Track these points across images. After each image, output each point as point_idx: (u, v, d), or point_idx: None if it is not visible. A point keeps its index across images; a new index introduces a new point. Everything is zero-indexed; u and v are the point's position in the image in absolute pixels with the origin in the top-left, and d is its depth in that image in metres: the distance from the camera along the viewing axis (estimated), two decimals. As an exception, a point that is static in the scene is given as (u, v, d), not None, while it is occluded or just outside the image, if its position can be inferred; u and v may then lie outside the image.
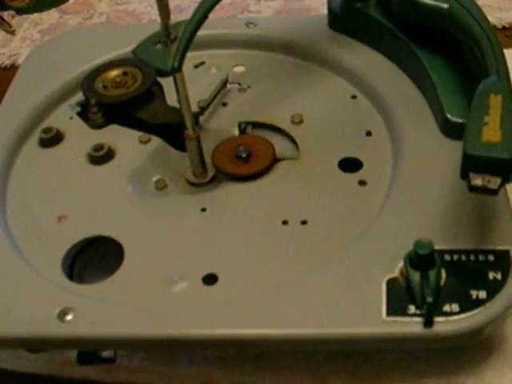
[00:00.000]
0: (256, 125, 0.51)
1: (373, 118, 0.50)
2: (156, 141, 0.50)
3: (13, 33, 0.85)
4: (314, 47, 0.55)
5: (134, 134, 0.50)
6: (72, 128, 0.53)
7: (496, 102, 0.38)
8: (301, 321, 0.37)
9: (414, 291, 0.37)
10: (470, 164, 0.35)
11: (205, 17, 0.42)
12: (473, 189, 0.36)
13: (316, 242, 0.42)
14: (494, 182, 0.35)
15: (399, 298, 0.38)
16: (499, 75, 0.41)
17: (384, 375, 0.42)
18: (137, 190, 0.47)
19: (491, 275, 0.38)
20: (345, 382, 0.42)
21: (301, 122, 0.50)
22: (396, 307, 0.37)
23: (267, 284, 0.40)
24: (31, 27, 0.86)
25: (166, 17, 0.42)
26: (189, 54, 0.42)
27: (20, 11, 0.88)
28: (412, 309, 0.37)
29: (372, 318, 0.37)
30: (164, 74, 0.44)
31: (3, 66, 0.79)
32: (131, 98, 0.50)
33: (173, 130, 0.47)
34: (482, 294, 0.37)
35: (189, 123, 0.44)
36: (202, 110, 0.52)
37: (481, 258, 0.39)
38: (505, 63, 0.42)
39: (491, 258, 0.39)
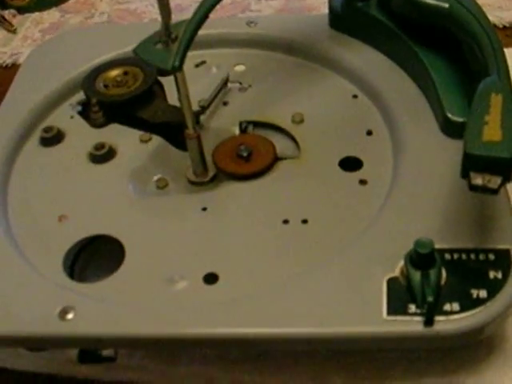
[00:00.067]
0: (257, 124, 0.51)
1: (373, 117, 0.50)
2: (157, 140, 0.50)
3: (14, 32, 0.85)
4: (315, 46, 0.56)
5: (135, 133, 0.51)
6: (73, 127, 0.53)
7: (496, 101, 0.38)
8: (301, 320, 0.37)
9: (415, 290, 0.37)
10: (471, 163, 0.35)
11: (206, 16, 0.42)
12: (473, 188, 0.36)
13: (316, 241, 0.42)
14: (495, 181, 0.35)
15: (400, 297, 0.38)
16: (500, 74, 0.41)
17: (384, 374, 0.42)
18: (138, 189, 0.47)
19: (492, 274, 0.38)
20: (345, 381, 0.42)
21: (301, 121, 0.50)
22: (396, 306, 0.37)
23: (268, 283, 0.40)
24: (32, 26, 0.86)
25: (167, 16, 0.42)
26: (189, 53, 0.42)
27: (21, 10, 0.88)
28: (412, 308, 0.37)
29: (372, 317, 0.37)
30: (165, 73, 0.44)
31: (4, 64, 0.79)
32: (132, 97, 0.50)
33: (173, 129, 0.47)
34: (483, 293, 0.37)
35: (190, 122, 0.44)
36: (203, 109, 0.52)
37: (481, 257, 0.39)
38: (505, 62, 0.42)
39: (492, 257, 0.39)
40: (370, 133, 0.49)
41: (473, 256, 0.39)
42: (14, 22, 0.86)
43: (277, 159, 0.48)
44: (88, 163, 0.50)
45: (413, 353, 0.42)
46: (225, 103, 0.53)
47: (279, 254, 0.42)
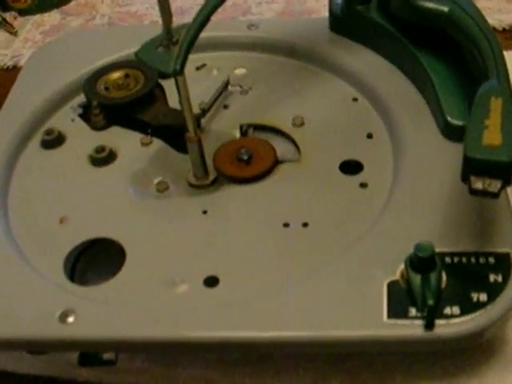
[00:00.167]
0: (257, 127, 0.51)
1: (374, 120, 0.50)
2: (157, 143, 0.50)
3: (15, 34, 0.85)
4: (315, 49, 0.56)
5: (136, 136, 0.51)
6: (74, 130, 0.53)
7: (496, 105, 0.38)
8: (302, 323, 0.37)
9: (415, 294, 0.37)
10: (471, 167, 0.35)
11: (207, 20, 0.42)
12: (473, 192, 0.36)
13: (317, 245, 0.42)
14: (495, 185, 0.35)
15: (400, 300, 0.38)
16: (499, 78, 0.41)
17: (385, 378, 0.42)
18: (138, 192, 0.47)
19: (492, 278, 0.38)
20: (345, 384, 0.43)
21: (302, 124, 0.50)
22: (397, 310, 0.37)
23: (268, 286, 0.40)
24: (33, 28, 0.86)
25: (168, 20, 0.42)
26: (190, 56, 0.42)
27: (22, 12, 0.88)
28: (413, 311, 0.37)
29: (373, 321, 0.37)
30: (166, 76, 0.44)
31: (5, 67, 0.79)
32: (133, 100, 0.51)
33: (174, 132, 0.47)
34: (483, 297, 0.37)
35: (190, 125, 0.44)
36: (204, 112, 0.52)
37: (481, 260, 0.39)
38: (505, 65, 0.42)
39: (492, 260, 0.39)
40: (370, 136, 0.49)
41: (473, 259, 0.39)
42: (15, 24, 0.86)
43: (277, 162, 0.48)
44: (89, 166, 0.50)
45: (413, 356, 0.42)
46: (225, 106, 0.53)
47: (280, 257, 0.42)
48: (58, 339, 0.39)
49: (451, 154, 0.44)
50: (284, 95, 0.53)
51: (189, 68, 0.42)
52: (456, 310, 0.37)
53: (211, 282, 0.41)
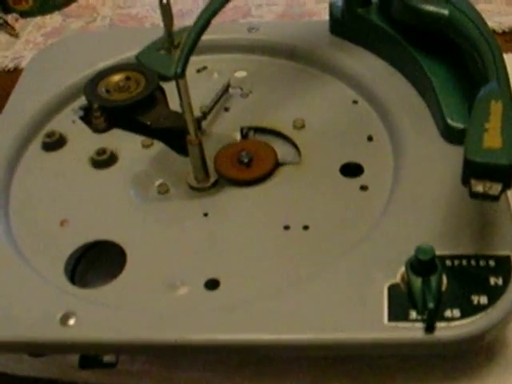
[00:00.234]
0: (258, 130, 0.51)
1: (374, 123, 0.50)
2: (158, 145, 0.50)
3: (16, 36, 0.85)
4: (316, 52, 0.56)
5: (137, 139, 0.51)
6: (75, 132, 0.53)
7: (496, 108, 0.38)
8: (302, 326, 0.38)
9: (416, 297, 0.37)
10: (471, 170, 0.36)
11: (207, 23, 0.42)
12: (474, 195, 0.36)
13: (317, 247, 0.42)
14: (495, 188, 0.35)
15: (400, 303, 0.38)
16: (499, 81, 0.41)
17: (385, 381, 0.42)
18: (139, 195, 0.47)
19: (492, 280, 0.38)
20: (346, 386, 0.43)
21: (302, 126, 0.51)
22: (397, 312, 0.37)
23: (269, 289, 0.40)
24: (35, 30, 0.86)
25: (170, 23, 0.42)
26: (191, 59, 0.42)
27: (24, 14, 0.88)
28: (413, 314, 0.37)
29: (373, 324, 0.37)
30: (167, 79, 0.44)
31: (7, 69, 0.79)
32: (134, 103, 0.51)
33: (175, 135, 0.47)
34: (483, 300, 0.38)
35: (191, 128, 0.44)
36: (205, 114, 0.52)
37: (482, 263, 0.39)
38: (505, 68, 0.42)
39: (492, 263, 0.39)
40: (370, 138, 0.49)
41: (473, 262, 0.39)
42: (17, 25, 0.86)
43: (278, 165, 0.48)
44: (90, 168, 0.50)
45: (413, 359, 0.42)
46: (226, 109, 0.53)
47: (280, 259, 0.42)
48: (58, 341, 0.39)
49: (451, 157, 0.44)
50: (284, 98, 0.53)
51: (189, 71, 0.42)
52: (456, 312, 0.37)
53: (212, 284, 0.41)
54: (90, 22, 0.86)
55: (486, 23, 0.46)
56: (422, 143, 0.46)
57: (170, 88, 0.48)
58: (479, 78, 0.44)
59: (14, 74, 0.77)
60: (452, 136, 0.46)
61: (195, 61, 0.49)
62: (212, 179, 0.47)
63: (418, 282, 0.37)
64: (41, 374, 0.46)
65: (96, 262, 0.46)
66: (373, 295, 0.38)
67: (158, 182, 0.48)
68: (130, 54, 0.55)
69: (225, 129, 0.52)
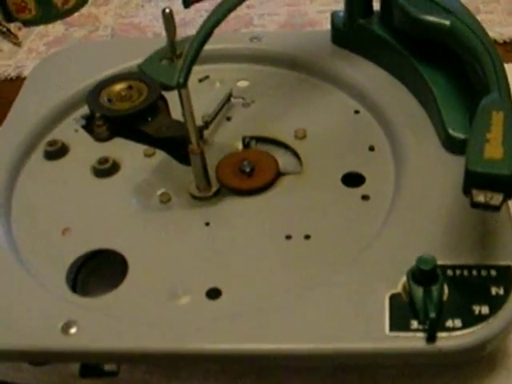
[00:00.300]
0: (260, 139, 0.51)
1: (376, 132, 0.50)
2: (160, 154, 0.50)
3: (19, 44, 0.85)
4: (318, 62, 0.56)
5: (139, 148, 0.51)
6: (77, 141, 0.53)
7: (498, 118, 0.38)
8: (304, 336, 0.38)
9: (417, 306, 0.37)
10: (473, 180, 0.36)
11: (210, 33, 0.42)
12: (475, 205, 0.36)
13: (319, 257, 0.42)
14: (496, 198, 0.35)
15: (402, 313, 0.38)
16: (500, 91, 0.41)
17: (387, 390, 0.42)
18: (141, 204, 0.48)
19: (494, 290, 0.38)
20: (347, 396, 0.43)
21: (304, 136, 0.51)
22: (399, 322, 0.37)
23: (270, 299, 0.40)
24: (37, 39, 0.86)
25: (172, 33, 0.42)
26: (193, 68, 0.42)
27: (26, 23, 0.88)
28: (415, 324, 0.37)
29: (375, 333, 0.37)
30: (169, 88, 0.44)
31: (9, 77, 0.79)
32: (136, 112, 0.51)
33: (177, 144, 0.47)
34: (485, 310, 0.38)
35: (193, 138, 0.44)
36: (207, 124, 0.52)
37: (483, 273, 0.39)
38: (506, 78, 0.43)
39: (493, 273, 0.39)
40: (372, 148, 0.49)
41: (475, 272, 0.39)
42: (20, 34, 0.87)
43: (279, 174, 0.48)
44: (92, 177, 0.50)
45: (415, 369, 0.42)
46: (228, 118, 0.54)
47: (282, 269, 0.42)
48: (60, 350, 0.39)
49: (453, 167, 0.44)
50: (286, 107, 0.54)
51: (192, 80, 0.42)
52: (458, 322, 0.37)
53: (213, 294, 0.41)
54: (93, 31, 0.87)
55: (487, 33, 0.46)
56: (424, 153, 0.46)
57: (172, 97, 0.49)
58: (480, 88, 0.44)
59: (16, 82, 0.77)
60: (453, 146, 0.46)
61: (197, 70, 0.49)
62: (214, 188, 0.47)
63: (419, 291, 0.37)
64: (41, 382, 0.46)
65: (97, 271, 0.46)
66: (374, 305, 0.38)
67: (159, 191, 0.48)
68: (132, 63, 0.56)
69: (227, 138, 0.52)
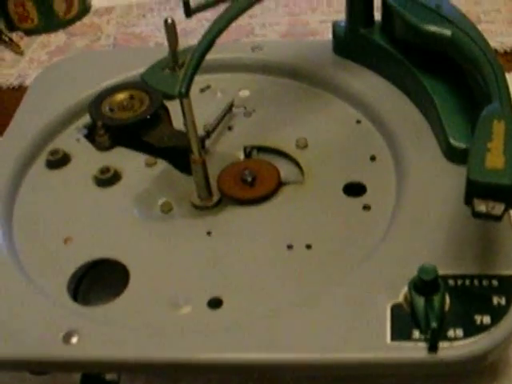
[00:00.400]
0: (261, 149, 0.52)
1: (377, 142, 0.50)
2: (162, 164, 0.50)
3: (21, 54, 0.86)
4: (319, 72, 0.56)
5: (141, 157, 0.51)
6: (79, 150, 0.53)
7: (499, 128, 0.38)
8: (305, 345, 0.37)
9: (419, 316, 0.37)
10: (474, 190, 0.36)
11: (212, 43, 0.42)
12: (477, 215, 0.36)
13: (320, 267, 0.42)
14: (498, 208, 0.35)
15: (403, 323, 0.38)
16: (501, 101, 0.42)
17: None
18: (142, 213, 0.48)
19: (495, 300, 0.38)
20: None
21: (305, 146, 0.51)
22: (400, 332, 0.37)
23: (271, 309, 0.40)
24: (39, 48, 0.86)
25: (174, 43, 0.42)
26: (195, 78, 0.42)
27: (28, 32, 0.89)
28: (416, 334, 0.37)
29: (376, 343, 0.37)
30: (171, 98, 0.44)
31: (11, 86, 0.80)
32: (137, 121, 0.51)
33: (179, 154, 0.47)
34: (487, 319, 0.37)
35: (195, 147, 0.44)
36: (208, 133, 0.52)
37: (485, 283, 0.39)
38: (507, 88, 0.43)
39: (495, 283, 0.39)
40: (373, 158, 0.49)
41: (476, 282, 0.39)
42: (22, 43, 0.87)
43: (281, 184, 0.48)
44: (93, 186, 0.50)
45: (416, 379, 0.42)
46: (229, 128, 0.54)
47: (283, 279, 0.42)
48: (61, 359, 0.39)
49: (454, 177, 0.44)
50: (288, 117, 0.54)
51: (193, 90, 0.43)
52: (459, 332, 0.37)
53: (215, 303, 0.41)
54: (95, 40, 0.87)
55: (488, 43, 0.46)
56: (425, 163, 0.46)
57: (173, 106, 0.49)
58: (481, 97, 0.44)
59: (18, 91, 0.78)
60: (455, 156, 0.46)
61: (199, 80, 0.49)
62: (215, 198, 0.47)
63: (420, 301, 0.37)
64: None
65: (99, 280, 0.46)
66: (376, 315, 0.38)
67: (161, 201, 0.48)
68: (134, 72, 0.56)
69: (228, 148, 0.52)
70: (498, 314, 0.38)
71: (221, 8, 0.46)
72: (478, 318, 0.38)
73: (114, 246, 0.45)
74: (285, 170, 0.49)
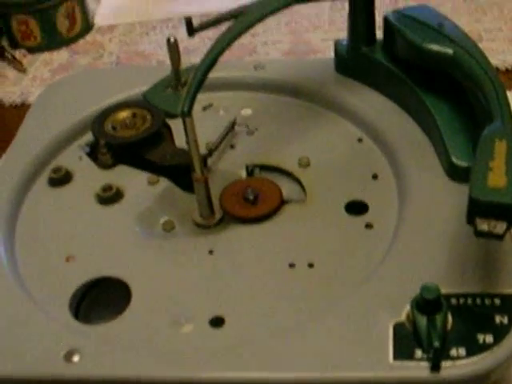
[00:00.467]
0: (263, 167, 0.52)
1: (379, 161, 0.50)
2: (164, 182, 0.50)
3: (24, 71, 0.86)
4: (321, 90, 0.56)
5: (143, 175, 0.51)
6: (81, 168, 0.53)
7: (501, 147, 0.38)
8: (307, 364, 0.37)
9: (421, 335, 0.37)
10: (476, 209, 0.36)
11: (214, 62, 0.42)
12: (479, 234, 0.36)
13: (323, 286, 0.42)
14: (500, 226, 0.35)
15: (406, 342, 0.37)
16: (503, 120, 0.42)
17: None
18: (144, 232, 0.48)
19: (498, 319, 0.38)
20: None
21: (308, 164, 0.51)
22: (403, 351, 0.37)
23: (274, 327, 0.40)
24: (42, 66, 0.87)
25: (177, 62, 0.43)
26: (197, 96, 0.42)
27: (31, 50, 0.89)
28: (419, 353, 0.37)
29: (379, 362, 0.37)
30: (174, 116, 0.44)
31: (14, 104, 0.80)
32: (140, 139, 0.51)
33: (181, 172, 0.47)
34: (489, 338, 0.37)
35: (197, 166, 0.44)
36: (210, 152, 0.52)
37: (487, 301, 0.39)
38: (508, 106, 0.43)
39: (497, 301, 0.39)
40: (375, 177, 0.49)
41: (479, 301, 0.39)
42: (24, 61, 0.87)
43: (283, 203, 0.48)
44: (96, 204, 0.50)
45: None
46: (232, 146, 0.54)
47: (285, 297, 0.42)
48: (62, 378, 0.39)
49: (456, 195, 0.44)
50: (290, 136, 0.54)
51: (196, 108, 0.43)
52: (462, 351, 0.37)
53: (217, 322, 0.41)
54: (97, 58, 0.87)
55: (489, 62, 0.47)
56: (427, 181, 0.46)
57: (176, 124, 0.49)
58: (483, 116, 0.44)
59: (21, 109, 0.78)
60: (457, 174, 0.46)
61: (201, 98, 0.49)
62: (217, 216, 0.47)
63: (423, 320, 0.37)
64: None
65: (101, 299, 0.46)
66: (378, 334, 0.38)
67: (163, 219, 0.48)
68: (136, 90, 0.56)
69: (230, 166, 0.52)
70: (500, 333, 0.38)
71: (223, 27, 0.46)
72: (480, 337, 0.37)
73: (115, 264, 0.45)
74: (287, 188, 0.49)
